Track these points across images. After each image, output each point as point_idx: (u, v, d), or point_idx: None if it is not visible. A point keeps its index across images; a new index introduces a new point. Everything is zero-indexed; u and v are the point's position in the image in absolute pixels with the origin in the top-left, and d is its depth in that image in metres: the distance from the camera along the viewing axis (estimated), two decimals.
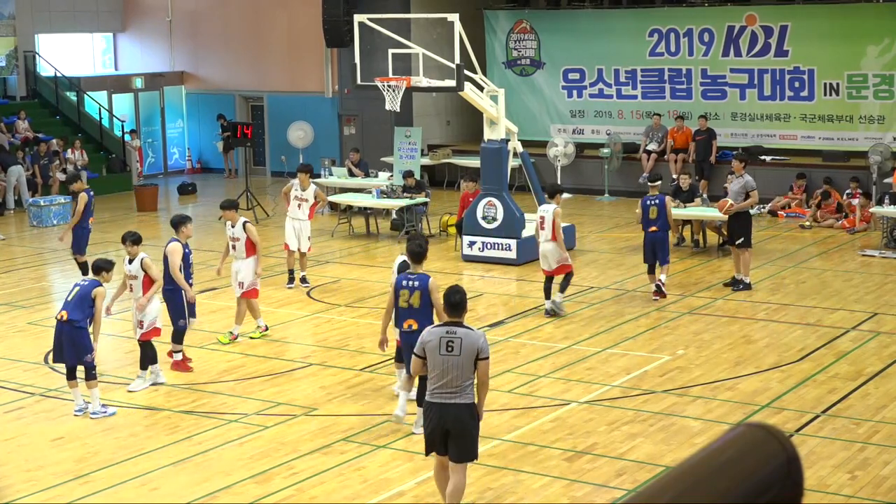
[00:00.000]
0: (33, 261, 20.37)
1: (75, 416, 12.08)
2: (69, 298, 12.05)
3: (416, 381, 10.73)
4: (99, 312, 11.94)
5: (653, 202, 16.32)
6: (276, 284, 17.87)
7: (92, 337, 11.93)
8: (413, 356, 8.97)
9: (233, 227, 14.67)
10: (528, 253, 19.12)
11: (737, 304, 16.42)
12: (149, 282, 12.79)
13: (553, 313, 15.60)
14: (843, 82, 24.69)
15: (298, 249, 17.63)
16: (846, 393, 12.31)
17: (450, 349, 8.59)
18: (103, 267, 12.19)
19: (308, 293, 17.52)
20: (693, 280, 17.91)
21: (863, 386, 12.55)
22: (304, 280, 17.83)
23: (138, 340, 12.93)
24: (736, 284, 16.97)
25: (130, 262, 12.88)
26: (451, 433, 8.75)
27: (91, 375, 11.95)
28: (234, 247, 14.67)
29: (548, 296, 15.72)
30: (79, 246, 17.85)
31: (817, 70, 24.88)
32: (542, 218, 15.78)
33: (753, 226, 17.06)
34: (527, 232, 19.46)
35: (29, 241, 22.85)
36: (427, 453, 9.09)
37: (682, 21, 26.24)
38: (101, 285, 12.03)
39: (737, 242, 16.82)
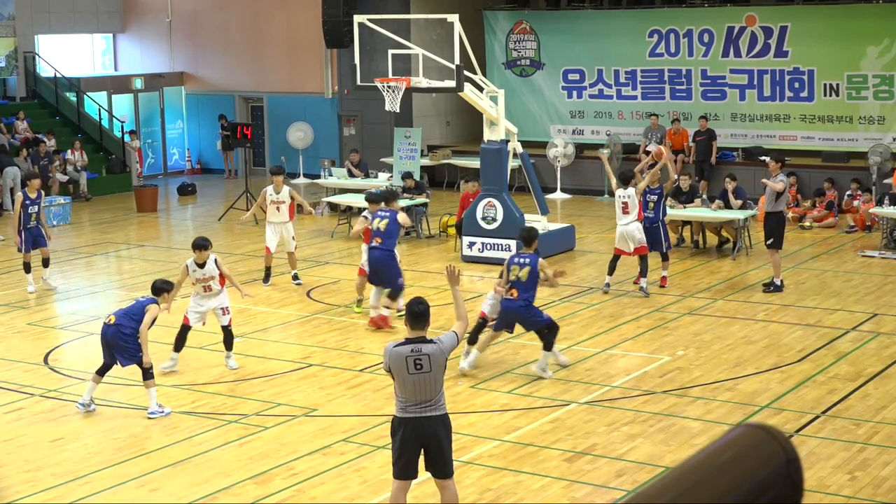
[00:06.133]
0: (33, 261, 20.30)
1: (77, 408, 12.07)
2: (123, 308, 12.27)
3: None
4: (146, 326, 11.92)
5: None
6: (277, 285, 17.89)
7: (142, 346, 11.95)
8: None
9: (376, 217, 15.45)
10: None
11: (736, 304, 16.42)
12: (222, 277, 13.43)
13: (608, 291, 17.12)
14: (842, 83, 24.70)
15: (287, 250, 17.82)
16: (846, 394, 12.32)
17: (419, 367, 8.39)
18: (164, 288, 12.38)
19: (308, 294, 17.52)
20: (693, 281, 17.91)
21: (863, 387, 12.55)
22: (295, 278, 17.93)
23: (225, 326, 13.47)
24: (777, 287, 17.00)
25: (201, 266, 13.27)
26: (430, 449, 8.57)
27: (148, 375, 11.95)
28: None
29: (611, 272, 17.11)
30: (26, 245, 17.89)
31: (817, 71, 24.89)
32: (626, 203, 16.73)
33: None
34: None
35: None
36: (403, 476, 8.66)
37: (682, 22, 26.25)
38: (157, 303, 12.14)
39: (767, 243, 16.95)
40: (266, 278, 17.88)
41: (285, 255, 18.17)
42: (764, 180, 17.04)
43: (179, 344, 13.54)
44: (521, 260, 12.93)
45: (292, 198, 17.86)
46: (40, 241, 17.88)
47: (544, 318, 13.05)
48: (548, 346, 12.96)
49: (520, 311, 12.87)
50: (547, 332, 12.97)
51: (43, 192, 18.40)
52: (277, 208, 17.77)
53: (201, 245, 13.35)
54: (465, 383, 12.84)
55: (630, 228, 16.72)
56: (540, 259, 12.94)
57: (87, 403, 12.17)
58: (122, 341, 11.88)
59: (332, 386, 12.99)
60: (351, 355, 14.22)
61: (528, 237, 13.16)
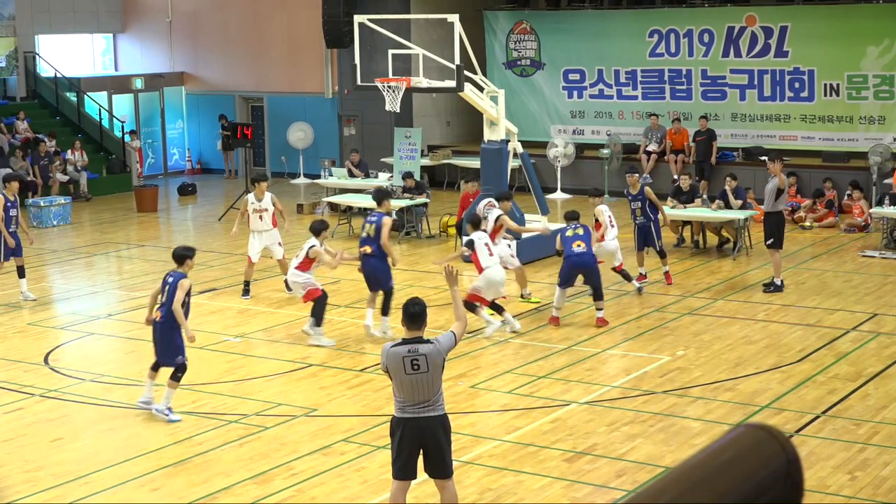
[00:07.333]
0: (33, 261, 20.30)
1: (138, 406, 11.97)
2: (163, 299, 11.73)
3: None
4: (178, 302, 11.56)
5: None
6: (275, 286, 17.88)
7: (183, 332, 11.72)
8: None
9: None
10: (528, 253, 19.10)
11: (737, 304, 16.42)
12: (308, 261, 14.53)
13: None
14: (842, 83, 24.70)
15: (276, 258, 17.39)
16: (846, 394, 12.32)
17: (416, 367, 8.35)
18: (186, 255, 11.90)
19: None
20: (693, 281, 17.91)
21: (863, 387, 12.55)
22: (288, 286, 17.65)
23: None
24: (777, 287, 17.00)
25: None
26: (428, 449, 8.55)
27: (176, 377, 11.80)
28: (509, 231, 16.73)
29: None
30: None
31: (817, 71, 24.89)
32: (598, 219, 16.57)
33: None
34: (527, 233, 19.41)
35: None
36: (401, 476, 8.65)
37: (682, 22, 26.25)
38: (185, 276, 11.74)
39: (767, 243, 17.01)
40: (245, 292, 17.42)
41: (271, 263, 18.07)
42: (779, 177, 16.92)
43: (320, 318, 14.48)
44: (371, 218, 14.64)
45: (274, 205, 17.41)
46: (17, 251, 17.20)
47: (390, 283, 14.73)
48: (385, 312, 14.56)
49: (377, 266, 14.54)
50: (386, 297, 14.68)
51: (18, 197, 17.52)
52: (260, 217, 17.22)
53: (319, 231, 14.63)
54: (465, 383, 12.84)
55: (612, 245, 16.49)
56: (385, 217, 14.59)
57: (148, 400, 11.97)
58: (169, 335, 11.67)
59: (332, 386, 12.99)
60: (351, 355, 14.23)
61: (377, 197, 15.06)
